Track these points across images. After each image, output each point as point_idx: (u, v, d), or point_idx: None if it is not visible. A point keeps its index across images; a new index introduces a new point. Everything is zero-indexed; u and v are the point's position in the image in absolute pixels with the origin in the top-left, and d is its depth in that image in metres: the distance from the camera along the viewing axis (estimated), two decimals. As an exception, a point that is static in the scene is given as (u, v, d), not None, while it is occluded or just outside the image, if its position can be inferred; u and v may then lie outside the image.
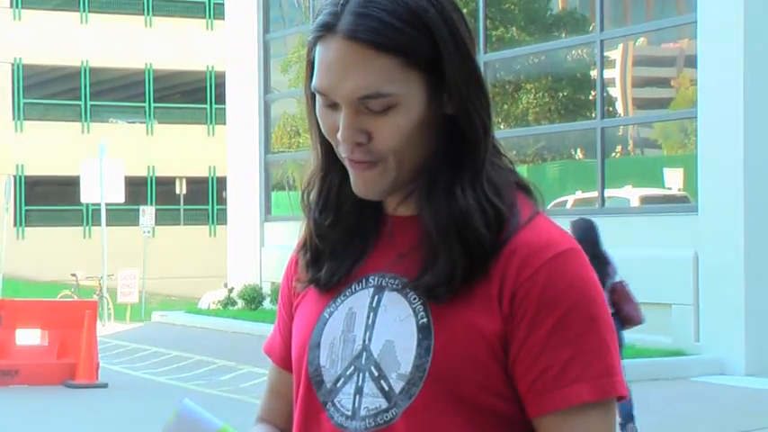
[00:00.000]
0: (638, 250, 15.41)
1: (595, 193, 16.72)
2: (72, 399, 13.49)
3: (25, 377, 14.26)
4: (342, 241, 1.91)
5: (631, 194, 16.85)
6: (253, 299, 21.70)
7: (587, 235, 10.18)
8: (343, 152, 1.83)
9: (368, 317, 1.85)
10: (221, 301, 22.80)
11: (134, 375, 15.62)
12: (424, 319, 1.80)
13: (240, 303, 22.11)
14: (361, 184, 1.84)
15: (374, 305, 1.85)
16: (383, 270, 1.87)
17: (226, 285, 23.21)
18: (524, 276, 1.77)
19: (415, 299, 1.82)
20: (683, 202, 15.91)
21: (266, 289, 21.82)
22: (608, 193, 16.66)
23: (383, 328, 1.83)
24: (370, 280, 1.87)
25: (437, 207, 1.82)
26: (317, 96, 1.84)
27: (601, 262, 9.88)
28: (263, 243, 22.72)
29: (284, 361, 2.02)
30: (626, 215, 16.24)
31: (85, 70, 39.32)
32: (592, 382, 1.76)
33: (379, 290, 1.86)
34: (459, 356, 1.78)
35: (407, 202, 1.87)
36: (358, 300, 1.87)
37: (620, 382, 1.79)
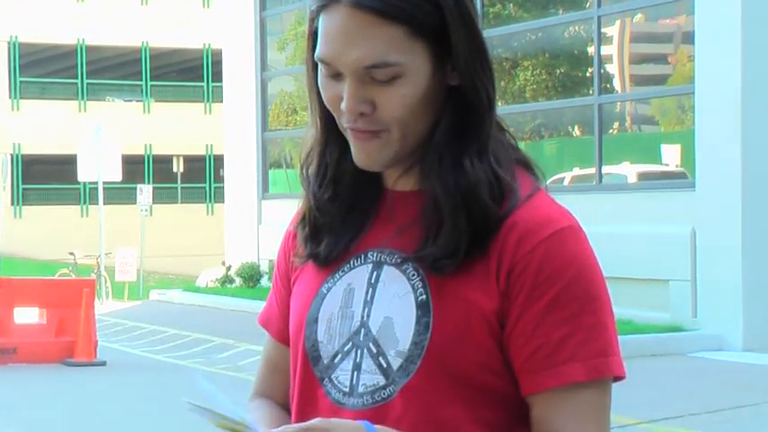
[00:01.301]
0: (635, 226, 15.42)
1: (593, 170, 16.71)
2: (71, 377, 13.51)
3: (24, 355, 14.28)
4: (340, 215, 1.89)
5: (629, 171, 16.84)
6: (251, 277, 21.71)
7: None
8: (345, 122, 1.81)
9: (366, 293, 1.83)
10: (219, 279, 22.81)
11: (132, 353, 15.64)
12: (423, 296, 1.79)
13: (238, 281, 22.13)
14: (362, 154, 1.81)
15: (373, 281, 1.83)
16: (382, 245, 1.85)
17: (223, 263, 23.22)
18: (522, 253, 1.76)
19: (413, 275, 1.80)
20: (680, 179, 15.90)
21: (264, 267, 21.82)
22: (605, 169, 16.66)
23: (382, 304, 1.82)
24: (369, 255, 1.85)
25: (446, 179, 1.79)
26: (320, 66, 1.82)
27: None
28: (260, 221, 22.71)
29: (281, 334, 2.00)
30: (623, 192, 16.24)
31: (82, 48, 39.26)
32: (586, 361, 1.75)
33: (378, 266, 1.84)
34: (458, 334, 1.76)
35: (407, 176, 1.85)
36: (357, 275, 1.85)
37: (616, 362, 1.78)
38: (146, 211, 27.24)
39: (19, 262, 32.69)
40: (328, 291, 1.87)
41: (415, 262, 1.80)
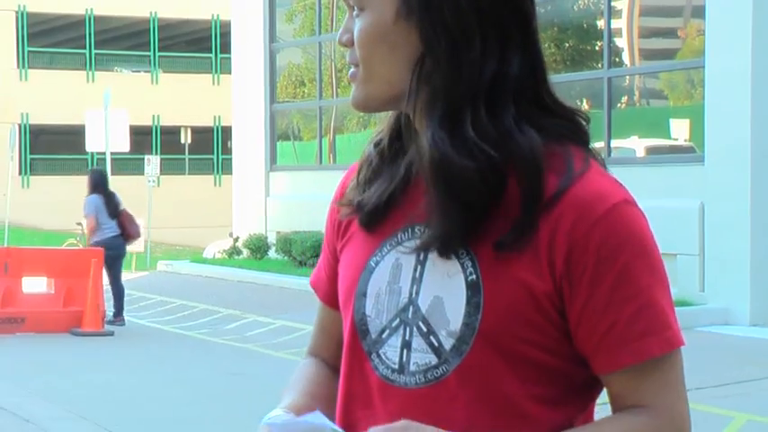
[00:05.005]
0: (644, 200, 15.20)
1: (602, 144, 16.68)
2: (78, 347, 13.55)
3: (31, 325, 14.32)
4: (387, 164, 1.89)
5: (637, 145, 16.82)
6: (258, 248, 21.72)
7: (101, 179, 15.17)
8: None
9: (415, 269, 1.82)
10: (226, 251, 22.83)
11: (140, 324, 15.67)
12: (473, 276, 1.77)
13: (245, 253, 22.14)
14: (352, 92, 1.85)
15: (421, 258, 1.81)
16: (428, 222, 1.82)
17: (231, 235, 23.23)
18: (579, 234, 1.74)
19: (462, 254, 1.78)
20: (689, 153, 15.87)
21: (272, 239, 21.83)
22: (614, 143, 16.63)
23: (431, 283, 1.80)
24: (416, 231, 1.83)
25: (420, 150, 1.80)
26: None
27: (112, 199, 14.90)
28: (268, 193, 22.71)
29: (329, 297, 2.02)
30: (632, 165, 16.21)
31: (90, 18, 39.20)
32: (658, 335, 1.76)
33: None
34: (509, 314, 1.75)
35: None
36: (405, 251, 1.84)
37: (679, 332, 1.80)
38: (153, 182, 27.23)
39: (26, 232, 32.75)
40: (376, 264, 1.86)
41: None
